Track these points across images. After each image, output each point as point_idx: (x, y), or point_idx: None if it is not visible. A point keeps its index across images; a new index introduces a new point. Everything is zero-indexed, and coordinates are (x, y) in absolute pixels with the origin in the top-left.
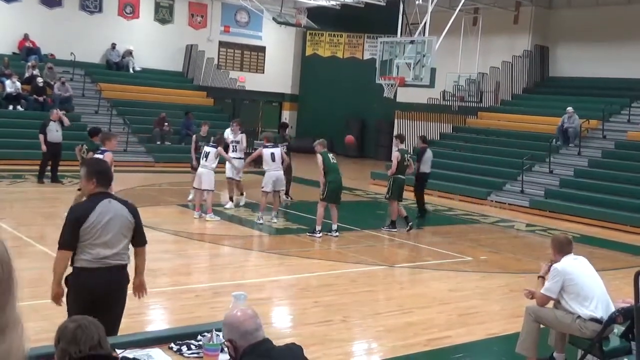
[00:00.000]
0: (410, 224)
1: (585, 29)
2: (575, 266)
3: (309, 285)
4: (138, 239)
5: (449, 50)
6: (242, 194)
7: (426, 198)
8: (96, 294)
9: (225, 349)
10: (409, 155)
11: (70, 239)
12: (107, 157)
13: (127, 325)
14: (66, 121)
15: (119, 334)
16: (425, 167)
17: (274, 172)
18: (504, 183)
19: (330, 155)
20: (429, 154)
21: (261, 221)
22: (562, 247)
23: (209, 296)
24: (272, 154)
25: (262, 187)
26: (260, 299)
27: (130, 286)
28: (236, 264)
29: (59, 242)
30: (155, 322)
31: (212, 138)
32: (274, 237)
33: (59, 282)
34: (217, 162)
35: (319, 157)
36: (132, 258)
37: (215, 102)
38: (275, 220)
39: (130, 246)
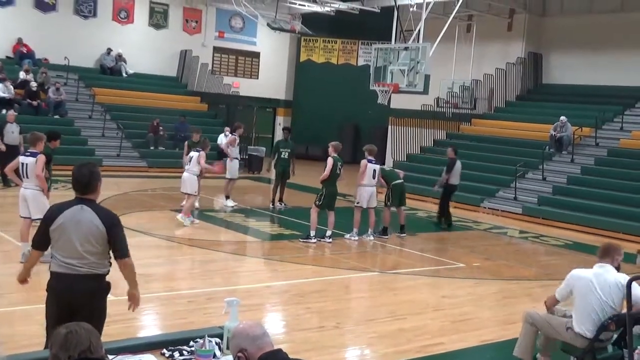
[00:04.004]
0: (387, 235)
1: (579, 36)
2: (590, 279)
3: (302, 291)
4: (114, 251)
5: (443, 57)
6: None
7: (420, 204)
8: (63, 299)
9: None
10: (340, 164)
11: (38, 239)
12: (40, 161)
13: (119, 331)
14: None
15: (113, 339)
16: (454, 179)
17: (368, 187)
18: (497, 190)
19: (339, 164)
20: (458, 165)
21: (356, 237)
22: (599, 252)
23: (201, 302)
24: (374, 171)
25: (357, 203)
26: (253, 304)
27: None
28: (229, 269)
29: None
30: (148, 327)
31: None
32: (267, 243)
33: (26, 273)
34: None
35: (330, 161)
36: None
37: (209, 108)
38: (372, 237)
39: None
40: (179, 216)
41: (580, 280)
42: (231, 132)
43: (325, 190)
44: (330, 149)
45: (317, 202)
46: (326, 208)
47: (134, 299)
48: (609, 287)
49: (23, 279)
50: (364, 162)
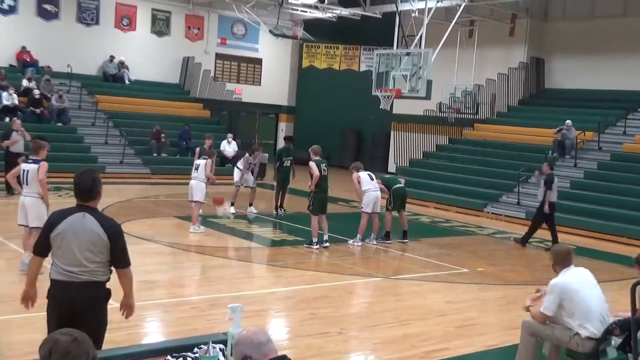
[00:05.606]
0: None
1: (581, 41)
2: (574, 282)
3: (305, 297)
4: (115, 261)
5: (445, 62)
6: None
7: (424, 209)
8: (63, 306)
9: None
10: (324, 165)
11: (40, 245)
12: (43, 167)
13: (123, 338)
14: (27, 136)
15: (117, 346)
16: (553, 196)
17: (373, 192)
18: (500, 194)
19: (323, 166)
20: (556, 180)
21: (359, 243)
22: (560, 259)
23: (205, 308)
24: (369, 174)
25: (362, 208)
26: (257, 311)
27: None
28: (232, 275)
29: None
30: (152, 334)
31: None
32: (270, 249)
33: (30, 284)
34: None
35: (313, 165)
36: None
37: (212, 114)
38: (374, 242)
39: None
40: (191, 229)
41: (566, 287)
42: (249, 154)
43: (313, 193)
44: (311, 154)
45: (310, 207)
46: (319, 212)
47: (128, 308)
48: (592, 285)
49: (26, 294)
50: (355, 175)
